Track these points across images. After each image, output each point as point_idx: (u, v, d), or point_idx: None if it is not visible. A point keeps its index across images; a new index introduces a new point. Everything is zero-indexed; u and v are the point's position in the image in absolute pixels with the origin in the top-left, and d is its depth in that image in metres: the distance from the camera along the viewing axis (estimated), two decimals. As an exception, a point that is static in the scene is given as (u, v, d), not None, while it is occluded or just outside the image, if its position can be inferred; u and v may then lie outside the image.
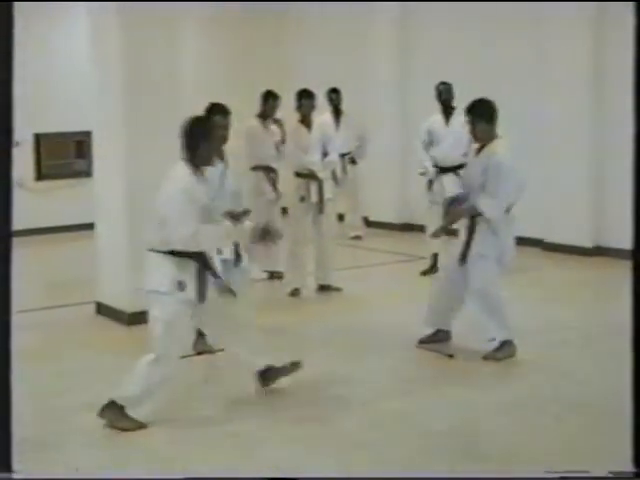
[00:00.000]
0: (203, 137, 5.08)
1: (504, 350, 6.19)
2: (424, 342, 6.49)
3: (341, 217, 11.21)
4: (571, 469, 3.99)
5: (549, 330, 6.90)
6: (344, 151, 10.45)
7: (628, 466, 3.27)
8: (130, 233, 7.00)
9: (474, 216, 6.10)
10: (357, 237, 11.33)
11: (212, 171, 5.37)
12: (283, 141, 8.66)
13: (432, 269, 9.18)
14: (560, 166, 10.14)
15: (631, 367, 2.83)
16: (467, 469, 4.36)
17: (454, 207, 6.24)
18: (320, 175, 8.14)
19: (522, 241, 10.70)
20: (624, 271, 9.17)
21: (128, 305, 7.07)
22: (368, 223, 11.94)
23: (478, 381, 5.83)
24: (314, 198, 8.11)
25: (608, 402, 5.30)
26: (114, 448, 4.72)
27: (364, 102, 12.00)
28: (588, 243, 9.91)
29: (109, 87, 7.26)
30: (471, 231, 6.16)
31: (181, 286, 4.92)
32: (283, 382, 5.53)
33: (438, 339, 6.49)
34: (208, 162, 5.14)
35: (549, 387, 5.66)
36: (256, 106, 8.94)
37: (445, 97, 9.13)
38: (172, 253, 4.93)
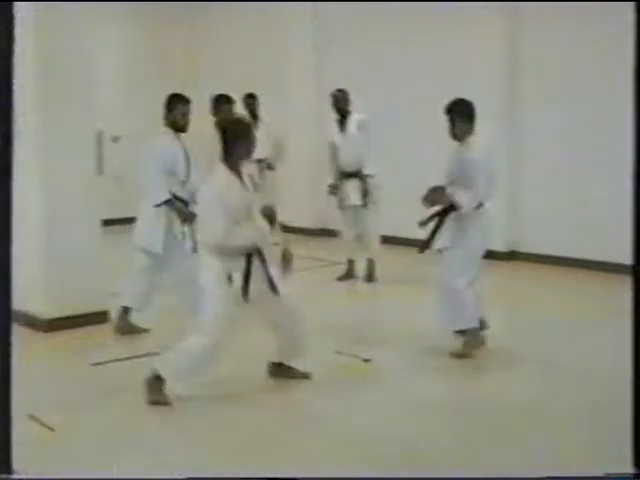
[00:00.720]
0: (242, 137, 5.30)
1: (470, 342, 6.35)
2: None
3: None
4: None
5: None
6: (261, 157, 10.43)
7: (628, 467, 3.35)
8: (47, 237, 6.88)
9: (448, 210, 6.30)
10: (274, 244, 11.29)
11: None
12: None
13: (348, 275, 9.27)
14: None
15: (631, 367, 2.89)
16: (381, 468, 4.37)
17: (434, 192, 6.37)
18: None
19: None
20: (538, 275, 9.41)
21: (45, 311, 6.91)
22: (285, 229, 11.94)
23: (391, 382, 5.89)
24: None
25: (511, 403, 5.43)
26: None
27: (280, 107, 12.02)
28: (502, 248, 10.11)
29: (21, 88, 7.11)
30: (440, 223, 6.36)
31: (230, 280, 5.26)
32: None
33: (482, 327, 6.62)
34: (245, 161, 5.40)
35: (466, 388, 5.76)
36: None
37: (340, 105, 9.17)
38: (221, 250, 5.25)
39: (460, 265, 6.34)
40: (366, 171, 9.04)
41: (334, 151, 9.20)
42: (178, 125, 6.86)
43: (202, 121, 8.41)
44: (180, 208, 6.82)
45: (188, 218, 6.74)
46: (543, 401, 5.51)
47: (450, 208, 6.32)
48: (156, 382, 5.34)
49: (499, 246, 10.06)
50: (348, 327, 7.28)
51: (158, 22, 13.84)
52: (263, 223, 5.50)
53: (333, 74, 12.07)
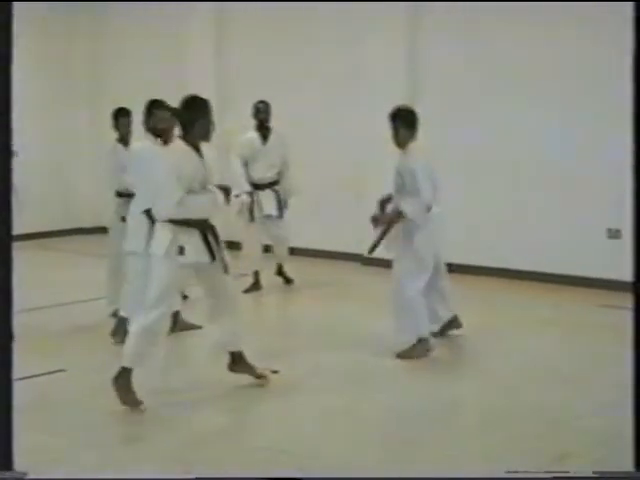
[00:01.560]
0: (200, 114, 5.47)
1: (418, 348, 6.51)
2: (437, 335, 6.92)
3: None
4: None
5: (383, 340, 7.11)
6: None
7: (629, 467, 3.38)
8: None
9: (397, 218, 6.51)
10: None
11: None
12: None
13: (254, 286, 9.30)
14: (379, 179, 10.41)
15: (632, 368, 2.96)
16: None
17: (383, 215, 6.64)
18: None
19: (342, 256, 11.15)
20: (474, 284, 9.50)
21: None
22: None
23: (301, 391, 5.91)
24: None
25: (424, 413, 5.54)
26: None
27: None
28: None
29: None
30: (387, 227, 6.58)
31: (181, 251, 5.39)
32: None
33: (451, 326, 6.99)
34: (204, 138, 5.53)
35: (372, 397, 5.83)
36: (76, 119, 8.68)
37: (263, 116, 9.28)
38: (172, 221, 5.41)
39: (410, 272, 6.52)
40: (282, 182, 9.32)
41: (247, 162, 9.24)
42: (157, 131, 7.04)
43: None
44: None
45: None
46: (449, 407, 5.64)
47: (396, 217, 6.52)
48: (122, 378, 5.44)
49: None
50: (257, 339, 7.27)
51: (59, 35, 13.63)
52: (218, 192, 5.61)
53: (234, 80, 12.09)
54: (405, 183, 6.50)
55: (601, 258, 9.06)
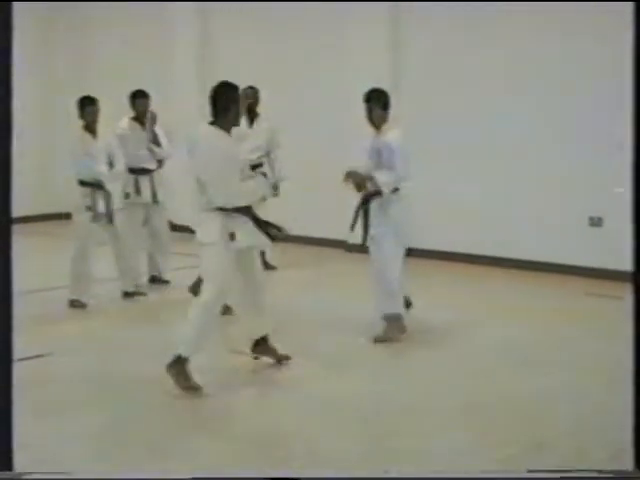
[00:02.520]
0: (233, 100, 5.52)
1: (392, 327, 6.66)
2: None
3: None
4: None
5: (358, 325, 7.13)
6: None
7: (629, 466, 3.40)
8: None
9: (370, 197, 6.67)
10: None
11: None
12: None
13: None
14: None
15: (632, 369, 2.98)
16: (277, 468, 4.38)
17: (355, 173, 6.75)
18: (108, 186, 8.03)
19: (327, 242, 11.17)
20: (430, 268, 9.58)
21: None
22: (173, 227, 11.86)
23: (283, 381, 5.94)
24: (101, 208, 7.97)
25: (405, 401, 5.56)
26: None
27: (168, 106, 11.94)
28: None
29: None
30: (364, 209, 6.77)
31: (232, 237, 5.50)
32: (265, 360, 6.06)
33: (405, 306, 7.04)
34: (237, 123, 5.62)
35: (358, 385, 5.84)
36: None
37: (251, 101, 9.39)
38: (220, 209, 5.47)
39: (390, 247, 6.68)
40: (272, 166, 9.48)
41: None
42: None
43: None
44: None
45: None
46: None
47: (372, 195, 6.66)
48: (177, 365, 5.47)
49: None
50: (239, 325, 7.25)
51: (40, 27, 13.60)
52: (262, 180, 5.82)
53: (218, 71, 12.07)
54: (382, 159, 6.64)
55: (583, 246, 9.10)
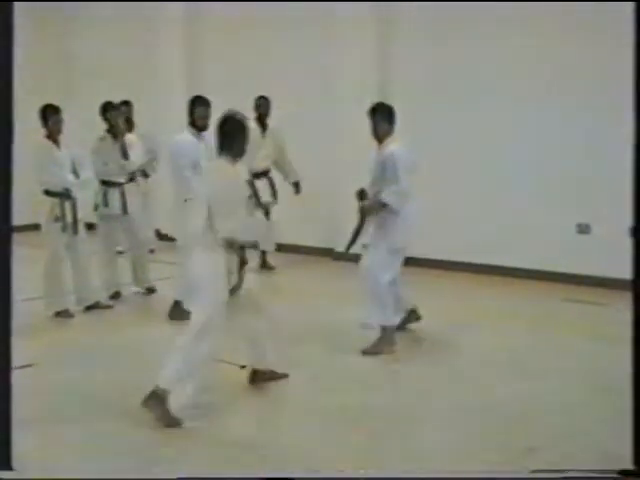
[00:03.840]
0: (240, 133, 5.46)
1: (383, 342, 6.59)
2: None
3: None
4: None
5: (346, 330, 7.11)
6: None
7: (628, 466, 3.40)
8: None
9: (378, 208, 6.60)
10: (150, 251, 11.20)
11: None
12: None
13: None
14: (349, 177, 10.44)
15: (632, 369, 2.95)
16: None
17: (365, 203, 6.68)
18: (75, 195, 7.91)
19: (313, 251, 11.17)
20: (426, 277, 9.56)
21: None
22: (160, 236, 11.85)
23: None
24: (69, 218, 7.87)
25: (393, 407, 5.53)
26: None
27: (156, 114, 11.94)
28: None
29: None
30: (361, 222, 6.70)
31: (230, 274, 5.29)
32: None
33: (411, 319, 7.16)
34: (243, 155, 5.52)
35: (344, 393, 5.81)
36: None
37: (263, 110, 9.99)
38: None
39: (383, 261, 6.61)
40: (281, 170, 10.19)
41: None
42: (198, 125, 7.45)
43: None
44: None
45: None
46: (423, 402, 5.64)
47: (379, 207, 6.60)
48: (156, 400, 5.15)
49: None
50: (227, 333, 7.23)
51: (28, 32, 13.54)
52: (261, 217, 5.58)
53: (207, 80, 12.07)
54: (386, 173, 6.57)
55: (570, 253, 9.09)
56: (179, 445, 4.83)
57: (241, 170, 5.67)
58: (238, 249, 5.37)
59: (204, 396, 5.65)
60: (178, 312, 7.45)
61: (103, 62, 13.34)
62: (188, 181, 7.17)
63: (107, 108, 8.66)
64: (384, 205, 6.57)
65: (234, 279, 5.37)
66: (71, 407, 5.50)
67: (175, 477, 4.28)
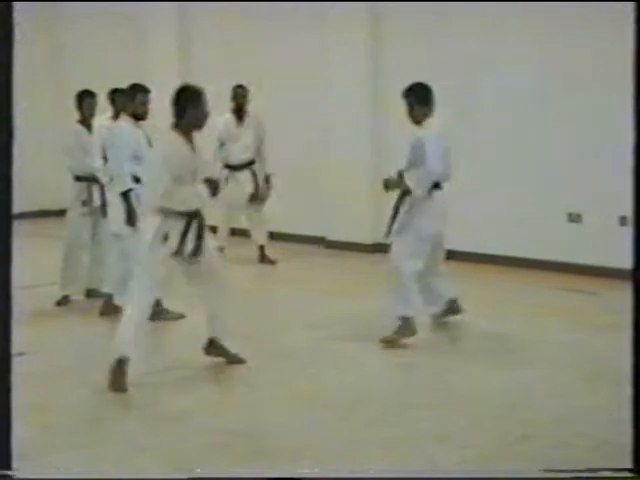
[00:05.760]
0: (191, 104, 5.51)
1: (402, 330, 6.40)
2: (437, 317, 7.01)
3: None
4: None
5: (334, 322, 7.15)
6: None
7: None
8: None
9: (403, 196, 6.46)
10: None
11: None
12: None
13: None
14: (340, 166, 10.47)
15: (631, 368, 2.97)
16: (252, 467, 4.35)
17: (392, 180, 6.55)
18: (103, 179, 7.87)
19: (305, 239, 11.18)
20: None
21: None
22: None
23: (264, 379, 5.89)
24: (97, 202, 7.88)
25: (388, 394, 5.57)
26: None
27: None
28: (368, 240, 10.30)
29: None
30: (396, 207, 6.51)
31: (165, 238, 5.50)
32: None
33: (451, 311, 7.00)
34: (195, 128, 5.58)
35: (336, 380, 5.82)
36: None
37: (241, 100, 9.61)
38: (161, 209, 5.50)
39: (408, 248, 6.45)
40: (257, 165, 9.73)
41: (223, 144, 9.54)
42: (138, 114, 7.23)
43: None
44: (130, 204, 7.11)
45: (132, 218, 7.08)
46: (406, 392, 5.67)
47: (404, 194, 6.47)
48: (119, 367, 5.48)
49: (365, 238, 10.27)
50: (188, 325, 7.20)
51: (20, 27, 13.49)
52: (203, 189, 5.60)
53: (198, 69, 12.04)
54: (415, 155, 6.43)
55: (561, 242, 9.13)
56: (166, 433, 4.84)
57: (195, 141, 5.66)
58: (186, 216, 5.55)
59: (190, 385, 5.71)
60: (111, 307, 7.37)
61: (94, 57, 13.28)
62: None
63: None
64: (408, 190, 6.45)
65: (177, 244, 5.54)
66: (63, 394, 5.51)
67: (160, 465, 4.31)
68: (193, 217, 5.60)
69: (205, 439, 4.72)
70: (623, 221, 8.68)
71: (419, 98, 6.52)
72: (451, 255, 9.82)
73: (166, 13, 12.46)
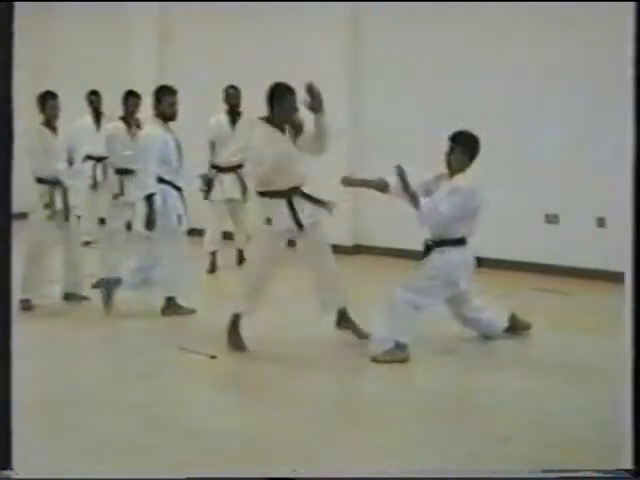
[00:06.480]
0: (274, 98, 6.45)
1: (396, 353, 6.16)
2: None
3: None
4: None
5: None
6: (104, 154, 10.27)
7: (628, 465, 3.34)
8: None
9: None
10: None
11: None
12: None
13: (213, 266, 9.58)
14: (320, 168, 10.46)
15: (632, 367, 2.99)
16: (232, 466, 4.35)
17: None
18: (67, 183, 7.83)
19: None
20: (380, 265, 9.70)
21: None
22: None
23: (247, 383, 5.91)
24: (59, 205, 7.78)
25: (369, 397, 5.57)
26: None
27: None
28: (348, 242, 10.33)
29: None
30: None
31: (269, 222, 6.31)
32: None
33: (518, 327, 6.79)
34: (283, 119, 6.40)
35: (317, 382, 5.84)
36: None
37: (233, 101, 9.46)
38: (262, 194, 6.39)
39: (413, 287, 6.24)
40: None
41: (214, 144, 9.42)
42: (166, 115, 7.26)
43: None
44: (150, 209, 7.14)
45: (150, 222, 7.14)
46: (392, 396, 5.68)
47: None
48: (233, 325, 6.34)
49: (345, 240, 10.28)
50: (207, 322, 7.22)
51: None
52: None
53: (176, 73, 12.01)
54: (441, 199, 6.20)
55: (538, 243, 9.18)
56: (158, 435, 4.83)
57: None
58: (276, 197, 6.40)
59: (178, 387, 5.71)
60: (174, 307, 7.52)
61: (76, 58, 13.21)
62: None
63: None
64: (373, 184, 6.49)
65: None
66: (52, 396, 5.47)
67: (156, 469, 4.30)
68: (293, 196, 6.40)
69: (195, 442, 4.70)
70: (600, 222, 8.76)
71: (466, 148, 6.33)
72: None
73: (148, 12, 12.40)
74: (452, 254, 6.32)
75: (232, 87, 9.55)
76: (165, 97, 7.33)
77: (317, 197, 6.53)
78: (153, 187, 7.13)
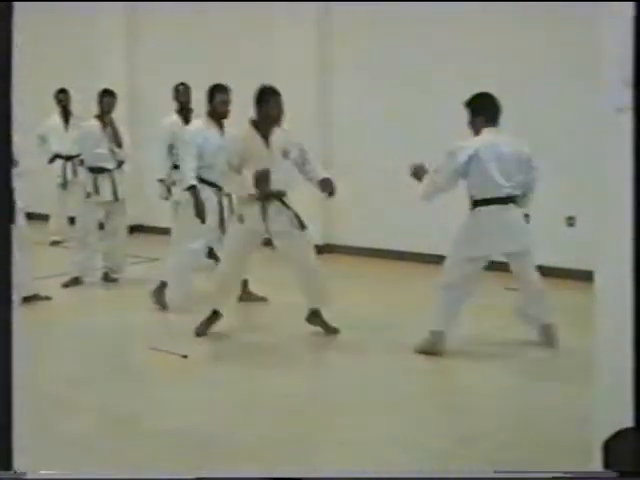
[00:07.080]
0: (258, 102, 6.56)
1: (428, 343, 6.25)
2: None
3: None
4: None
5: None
6: (74, 153, 10.20)
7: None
8: None
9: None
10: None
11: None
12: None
13: None
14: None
15: (632, 367, 2.97)
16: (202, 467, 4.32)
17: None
18: (13, 184, 7.73)
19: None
20: (350, 264, 9.72)
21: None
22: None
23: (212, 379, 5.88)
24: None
25: (337, 396, 5.58)
26: None
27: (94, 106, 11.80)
28: (318, 241, 10.30)
29: None
30: None
31: (241, 220, 6.45)
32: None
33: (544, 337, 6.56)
34: (267, 122, 6.50)
35: (287, 381, 5.81)
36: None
37: (183, 98, 9.30)
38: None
39: (448, 261, 6.38)
40: None
41: (171, 146, 9.20)
42: (218, 113, 7.45)
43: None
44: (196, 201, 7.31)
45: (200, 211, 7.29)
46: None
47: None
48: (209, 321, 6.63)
49: (315, 239, 10.26)
50: (179, 320, 7.24)
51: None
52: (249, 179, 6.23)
53: (146, 71, 11.98)
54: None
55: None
56: (116, 435, 4.80)
57: None
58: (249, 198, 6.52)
59: (142, 385, 5.66)
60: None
61: (42, 58, 13.12)
62: None
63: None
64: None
65: None
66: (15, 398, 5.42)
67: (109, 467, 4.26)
68: (269, 199, 6.45)
69: (153, 442, 4.67)
70: (570, 221, 8.80)
71: (475, 111, 6.38)
72: (401, 256, 9.97)
73: (115, 17, 12.35)
74: (474, 217, 6.58)
75: (182, 84, 9.40)
76: (217, 95, 7.43)
77: (294, 211, 6.56)
78: (192, 179, 7.30)
